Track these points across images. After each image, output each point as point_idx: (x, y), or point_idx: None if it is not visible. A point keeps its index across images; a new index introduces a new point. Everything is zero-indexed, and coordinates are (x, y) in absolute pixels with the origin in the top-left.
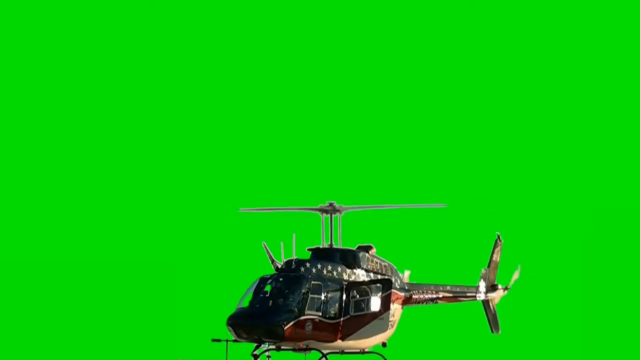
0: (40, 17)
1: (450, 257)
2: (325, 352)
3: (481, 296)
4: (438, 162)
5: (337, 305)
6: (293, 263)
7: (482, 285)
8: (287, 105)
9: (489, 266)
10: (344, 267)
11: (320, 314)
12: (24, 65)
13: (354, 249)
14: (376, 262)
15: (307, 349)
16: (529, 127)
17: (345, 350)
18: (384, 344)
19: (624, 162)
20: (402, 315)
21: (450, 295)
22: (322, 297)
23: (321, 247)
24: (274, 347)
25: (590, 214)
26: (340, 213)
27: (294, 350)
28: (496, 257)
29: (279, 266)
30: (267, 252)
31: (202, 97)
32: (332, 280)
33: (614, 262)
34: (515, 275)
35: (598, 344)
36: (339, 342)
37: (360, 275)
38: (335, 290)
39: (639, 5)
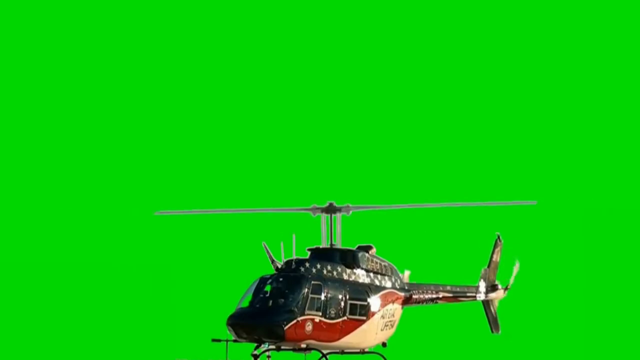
0: (40, 17)
1: (450, 257)
2: (325, 352)
3: (481, 296)
4: (437, 162)
5: (337, 305)
6: (293, 263)
7: (482, 285)
8: (287, 106)
9: (489, 266)
10: (343, 267)
11: (320, 314)
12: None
13: (354, 249)
14: (376, 262)
15: (307, 349)
16: (524, 124)
17: (345, 350)
18: (384, 344)
19: (625, 161)
20: (402, 315)
21: (450, 295)
22: (322, 297)
23: (321, 247)
24: (274, 347)
25: (590, 213)
26: (341, 213)
27: (294, 350)
28: (496, 257)
29: (279, 266)
30: (267, 252)
31: (202, 99)
32: (332, 280)
33: (614, 262)
34: (515, 271)
35: (598, 344)
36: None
37: (360, 275)
38: (336, 290)
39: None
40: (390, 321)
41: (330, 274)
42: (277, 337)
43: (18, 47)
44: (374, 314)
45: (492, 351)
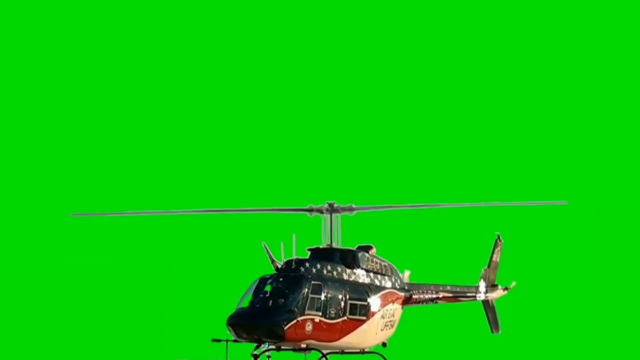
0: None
1: (450, 257)
2: (325, 352)
3: (481, 296)
4: (437, 162)
5: (337, 305)
6: (293, 263)
7: (482, 285)
8: (287, 106)
9: (489, 266)
10: (343, 267)
11: (320, 314)
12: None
13: (354, 249)
14: (376, 262)
15: (307, 349)
16: (522, 124)
17: (345, 350)
18: (384, 344)
19: (624, 161)
20: (402, 315)
21: (450, 295)
22: (322, 297)
23: (321, 247)
24: (274, 347)
25: (589, 213)
26: (340, 213)
27: (294, 350)
28: (496, 257)
29: (279, 266)
30: (267, 252)
31: (202, 99)
32: (332, 280)
33: (614, 262)
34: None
35: (598, 344)
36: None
37: (360, 275)
38: (336, 290)
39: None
40: (390, 321)
41: (330, 274)
42: (277, 337)
43: None
44: (374, 314)
45: (492, 351)
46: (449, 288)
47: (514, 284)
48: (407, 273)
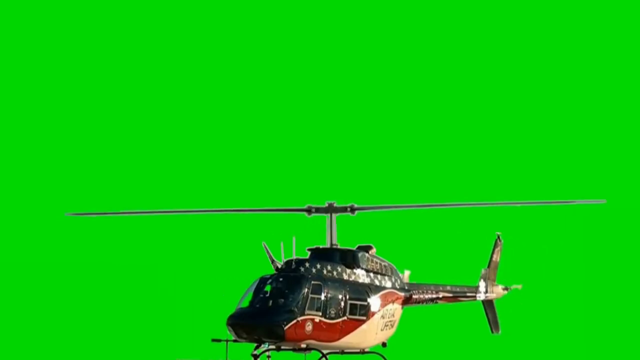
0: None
1: (450, 257)
2: (325, 352)
3: (481, 296)
4: (437, 162)
5: (337, 305)
6: (293, 263)
7: (482, 285)
8: (287, 106)
9: (489, 266)
10: (343, 267)
11: (320, 314)
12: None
13: (354, 249)
14: (376, 262)
15: (307, 349)
16: (522, 124)
17: (345, 350)
18: (384, 344)
19: (624, 163)
20: (402, 315)
21: (450, 295)
22: (322, 297)
23: (321, 247)
24: (273, 347)
25: (590, 213)
26: (337, 213)
27: (294, 350)
28: (496, 257)
29: (279, 266)
30: (267, 252)
31: (201, 99)
32: (332, 280)
33: (614, 262)
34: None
35: (598, 344)
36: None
37: (360, 275)
38: (336, 290)
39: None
40: (390, 321)
41: (330, 274)
42: (277, 337)
43: None
44: (374, 314)
45: (492, 351)
46: (449, 288)
47: (514, 287)
48: (407, 273)
